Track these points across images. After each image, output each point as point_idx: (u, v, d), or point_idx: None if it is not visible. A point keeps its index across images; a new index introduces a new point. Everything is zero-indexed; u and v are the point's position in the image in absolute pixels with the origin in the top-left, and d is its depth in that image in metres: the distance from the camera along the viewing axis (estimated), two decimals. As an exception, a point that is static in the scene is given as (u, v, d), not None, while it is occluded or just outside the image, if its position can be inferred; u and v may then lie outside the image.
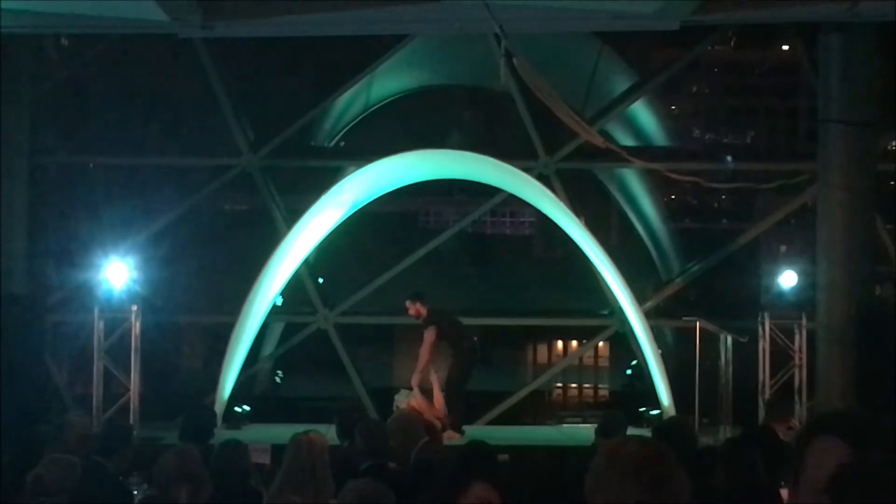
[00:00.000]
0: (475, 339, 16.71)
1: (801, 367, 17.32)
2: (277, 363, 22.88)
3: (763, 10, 15.38)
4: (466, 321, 16.95)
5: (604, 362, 30.15)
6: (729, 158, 22.09)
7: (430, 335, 16.10)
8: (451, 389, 16.20)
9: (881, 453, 2.80)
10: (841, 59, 16.65)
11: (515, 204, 22.77)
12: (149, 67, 21.64)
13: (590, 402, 29.92)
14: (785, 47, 32.64)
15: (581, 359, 26.80)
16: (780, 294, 18.25)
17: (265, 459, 10.61)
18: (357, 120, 24.73)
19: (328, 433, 11.36)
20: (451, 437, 15.25)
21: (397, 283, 19.94)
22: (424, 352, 16.13)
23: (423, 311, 16.31)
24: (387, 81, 22.83)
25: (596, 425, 10.66)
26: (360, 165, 17.88)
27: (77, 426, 10.57)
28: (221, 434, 14.53)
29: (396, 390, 16.65)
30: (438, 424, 14.93)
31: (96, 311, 17.39)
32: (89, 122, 20.81)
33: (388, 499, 6.59)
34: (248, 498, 8.21)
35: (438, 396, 16.12)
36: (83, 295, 18.51)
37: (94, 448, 9.78)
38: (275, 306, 19.09)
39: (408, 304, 16.51)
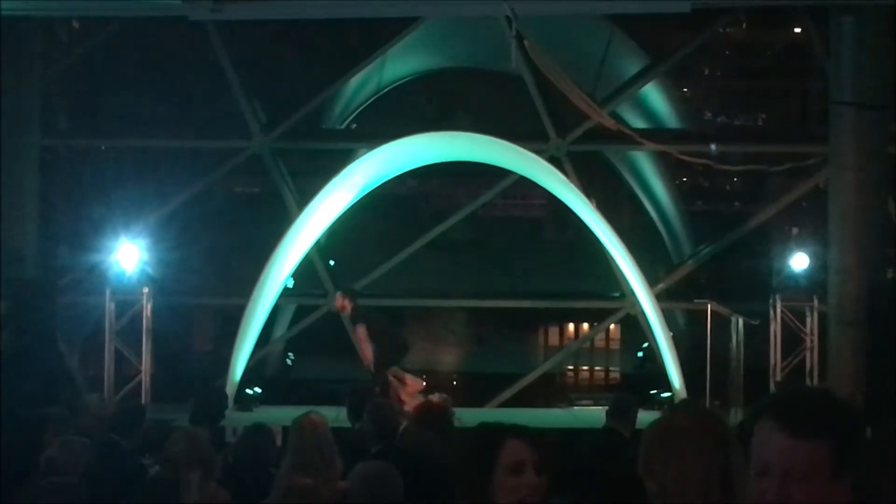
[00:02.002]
0: (404, 337, 16.79)
1: (812, 349, 17.31)
2: (288, 345, 22.90)
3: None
4: (477, 304, 16.95)
5: (615, 345, 30.12)
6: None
7: (360, 333, 16.15)
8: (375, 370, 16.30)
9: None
10: (852, 41, 16.58)
11: (526, 186, 22.71)
12: (159, 49, 21.64)
13: (601, 384, 29.88)
14: (797, 29, 32.45)
15: (592, 341, 26.78)
16: (792, 276, 18.18)
17: (276, 442, 10.62)
18: (368, 102, 24.70)
19: (339, 415, 11.39)
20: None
21: (408, 266, 19.95)
22: (364, 351, 16.18)
23: (348, 307, 16.36)
24: (398, 64, 22.80)
25: (607, 408, 10.66)
26: (371, 148, 17.87)
27: (93, 406, 10.60)
28: (232, 416, 14.59)
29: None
30: (429, 401, 14.99)
31: (108, 293, 17.44)
32: (100, 104, 20.82)
33: (396, 481, 6.60)
34: (264, 482, 8.20)
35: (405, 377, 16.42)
36: (94, 277, 18.52)
37: (108, 428, 9.80)
38: (286, 288, 19.11)
39: (337, 295, 16.65)
